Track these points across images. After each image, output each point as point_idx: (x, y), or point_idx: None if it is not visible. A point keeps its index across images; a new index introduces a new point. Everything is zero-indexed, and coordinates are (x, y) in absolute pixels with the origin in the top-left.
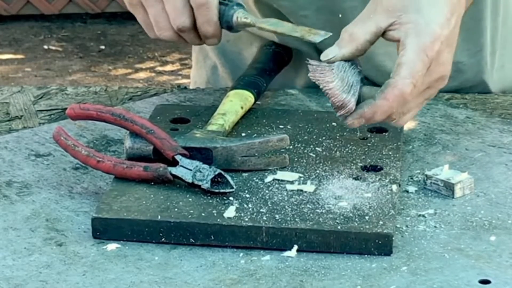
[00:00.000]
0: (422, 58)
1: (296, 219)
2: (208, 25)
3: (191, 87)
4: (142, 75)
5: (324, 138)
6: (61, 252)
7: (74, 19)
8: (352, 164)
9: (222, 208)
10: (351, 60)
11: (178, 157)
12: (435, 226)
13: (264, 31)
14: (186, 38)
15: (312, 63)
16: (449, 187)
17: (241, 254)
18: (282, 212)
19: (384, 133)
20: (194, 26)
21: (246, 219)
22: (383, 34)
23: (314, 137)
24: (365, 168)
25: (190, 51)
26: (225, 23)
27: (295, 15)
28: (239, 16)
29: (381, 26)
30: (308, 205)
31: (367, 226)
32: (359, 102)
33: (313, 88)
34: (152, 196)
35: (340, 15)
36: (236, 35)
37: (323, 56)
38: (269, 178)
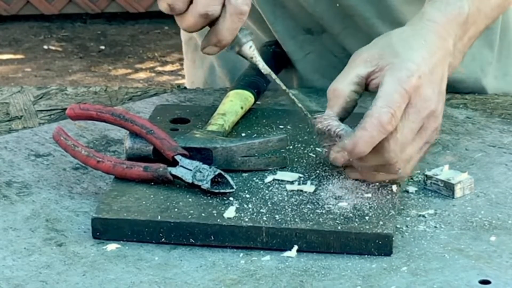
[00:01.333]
0: (398, 90)
1: (296, 219)
2: (229, 33)
3: (187, 86)
4: (142, 75)
5: None
6: (61, 252)
7: (74, 19)
8: None
9: (222, 209)
10: (345, 115)
11: (178, 157)
12: (435, 226)
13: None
14: (196, 24)
15: (316, 116)
16: (449, 187)
17: (241, 255)
18: (282, 212)
19: None
20: (212, 22)
21: (246, 220)
22: (367, 86)
23: (314, 137)
24: None
25: None
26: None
27: None
28: (252, 47)
29: (361, 75)
30: (308, 205)
31: (367, 227)
32: None
33: (313, 88)
34: (152, 196)
35: (337, 5)
36: None
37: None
38: (269, 178)
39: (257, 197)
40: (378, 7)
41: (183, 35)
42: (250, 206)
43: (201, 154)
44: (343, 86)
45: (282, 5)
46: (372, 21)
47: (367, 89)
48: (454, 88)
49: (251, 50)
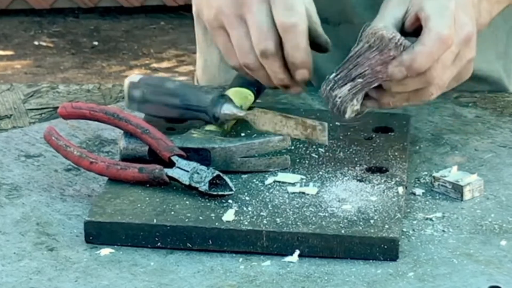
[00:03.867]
0: (444, 12)
1: (298, 223)
2: (296, 50)
3: (199, 68)
4: (137, 72)
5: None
6: (52, 257)
7: (66, 14)
8: (356, 165)
9: (221, 212)
10: None
11: (174, 158)
12: (443, 230)
13: None
14: (270, 67)
15: (370, 25)
16: (458, 189)
17: (240, 260)
18: (283, 215)
19: (389, 133)
20: (281, 54)
21: (246, 223)
22: (402, 27)
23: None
24: (370, 170)
25: (187, 47)
26: None
27: None
28: (229, 107)
29: (398, 16)
30: (310, 208)
31: (372, 230)
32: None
33: (316, 86)
34: (147, 199)
35: None
36: None
37: None
38: (269, 180)
39: (257, 199)
40: None
41: (195, 13)
42: (249, 209)
43: (199, 155)
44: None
45: None
46: None
47: (401, 32)
48: (474, 87)
49: (230, 111)
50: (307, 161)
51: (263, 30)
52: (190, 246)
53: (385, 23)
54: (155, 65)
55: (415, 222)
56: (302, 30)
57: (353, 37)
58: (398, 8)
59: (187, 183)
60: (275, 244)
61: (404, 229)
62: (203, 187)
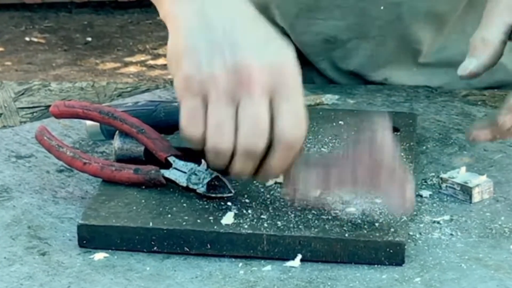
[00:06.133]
0: None
1: (300, 226)
2: (280, 164)
3: None
4: (132, 69)
5: (330, 138)
6: (44, 262)
7: (58, 9)
8: None
9: (220, 214)
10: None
11: (171, 159)
12: (451, 234)
13: None
14: (242, 163)
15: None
16: (466, 191)
17: (240, 264)
18: (285, 218)
19: (395, 133)
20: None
21: (246, 226)
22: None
23: (319, 136)
24: None
25: None
26: None
27: None
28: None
29: (509, 23)
30: (312, 211)
31: (377, 234)
32: None
33: (317, 84)
34: (143, 201)
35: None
36: None
37: (461, 71)
38: (270, 181)
39: (258, 202)
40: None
41: None
42: (249, 211)
43: (197, 155)
44: (493, 36)
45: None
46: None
47: (510, 38)
48: (488, 77)
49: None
50: None
51: (258, 128)
52: (188, 250)
53: (495, 30)
54: (151, 62)
55: (422, 225)
56: (297, 149)
57: (360, 53)
58: (510, 14)
59: (184, 184)
60: (276, 248)
61: (411, 233)
62: (201, 189)
